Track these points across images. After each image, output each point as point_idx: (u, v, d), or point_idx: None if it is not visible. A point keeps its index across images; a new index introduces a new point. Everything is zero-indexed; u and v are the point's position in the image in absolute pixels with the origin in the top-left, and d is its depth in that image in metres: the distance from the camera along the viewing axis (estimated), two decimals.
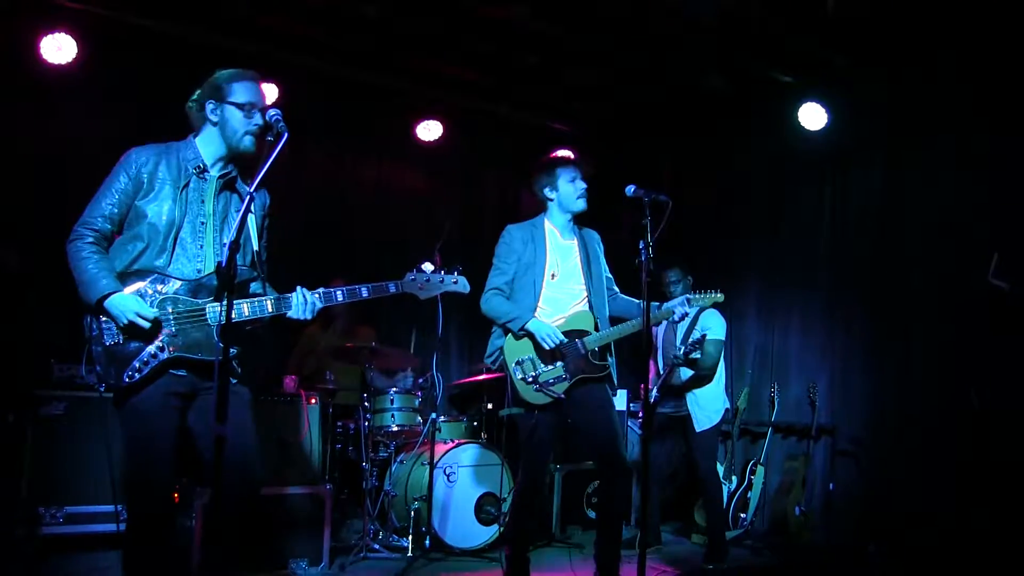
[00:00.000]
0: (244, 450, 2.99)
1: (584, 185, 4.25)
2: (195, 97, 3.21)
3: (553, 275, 4.20)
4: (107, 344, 2.97)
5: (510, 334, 4.15)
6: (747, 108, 6.85)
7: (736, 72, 6.50)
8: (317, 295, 3.19)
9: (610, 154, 7.87)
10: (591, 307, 4.21)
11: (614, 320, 4.31)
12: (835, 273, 6.35)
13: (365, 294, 3.29)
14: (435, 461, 5.32)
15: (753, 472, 6.11)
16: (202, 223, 3.13)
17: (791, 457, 6.28)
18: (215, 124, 3.17)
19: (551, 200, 4.31)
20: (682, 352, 5.30)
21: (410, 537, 5.24)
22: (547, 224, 4.32)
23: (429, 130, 7.22)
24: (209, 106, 3.16)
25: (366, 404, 5.56)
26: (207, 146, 3.20)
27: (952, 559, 5.08)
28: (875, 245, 6.06)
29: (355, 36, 6.13)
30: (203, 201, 3.15)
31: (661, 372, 5.57)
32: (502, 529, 5.55)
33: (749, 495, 6.07)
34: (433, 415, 5.42)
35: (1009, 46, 5.22)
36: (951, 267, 5.50)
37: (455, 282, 3.50)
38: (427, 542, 5.24)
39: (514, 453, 6.08)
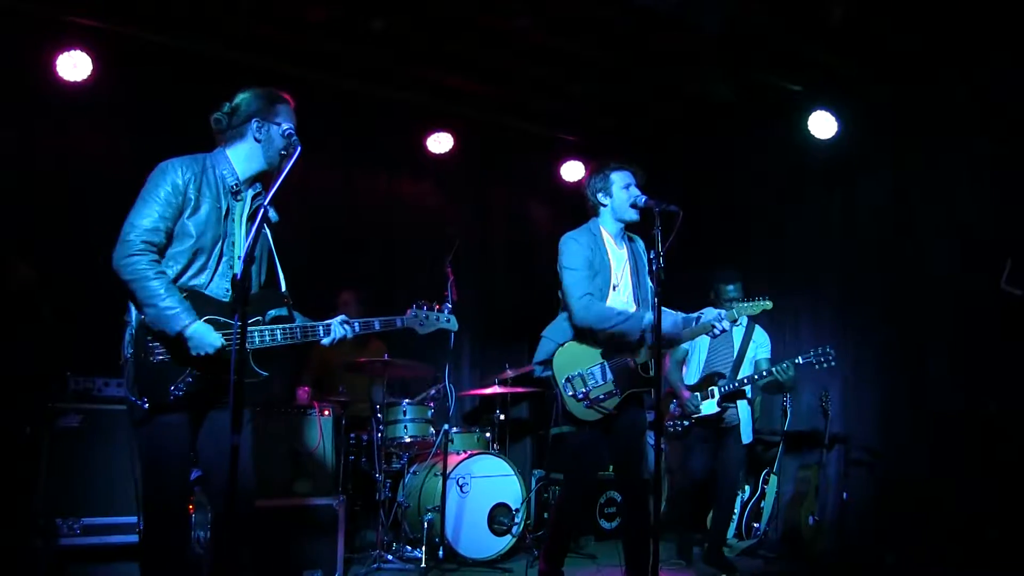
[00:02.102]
0: (240, 468, 2.99)
1: (638, 192, 4.06)
2: (226, 110, 3.21)
3: (615, 286, 4.11)
4: (153, 362, 2.96)
5: (560, 349, 4.03)
6: (756, 118, 6.87)
7: (745, 82, 6.52)
8: (347, 325, 3.30)
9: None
10: None
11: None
12: (846, 281, 6.35)
13: (377, 327, 3.48)
14: (448, 472, 5.33)
15: (766, 481, 6.10)
16: (232, 244, 3.15)
17: (804, 466, 6.26)
18: (259, 141, 3.19)
19: (604, 206, 4.17)
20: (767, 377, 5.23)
21: (423, 548, 5.24)
22: (602, 231, 4.19)
23: (439, 142, 7.26)
24: (255, 123, 3.18)
25: (379, 415, 5.59)
26: (243, 162, 3.21)
27: (967, 566, 5.06)
28: (886, 252, 6.05)
29: (364, 49, 6.18)
30: (234, 220, 3.17)
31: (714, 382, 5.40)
32: (515, 540, 5.56)
33: (762, 504, 6.06)
34: (446, 426, 5.43)
35: (1015, 48, 5.23)
36: (963, 273, 5.49)
37: (447, 320, 3.70)
38: (440, 553, 5.25)
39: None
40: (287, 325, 3.17)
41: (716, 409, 5.28)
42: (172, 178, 3.03)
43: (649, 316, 3.84)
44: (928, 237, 5.79)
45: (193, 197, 3.04)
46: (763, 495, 6.06)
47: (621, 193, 4.11)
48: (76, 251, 3.15)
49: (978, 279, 5.27)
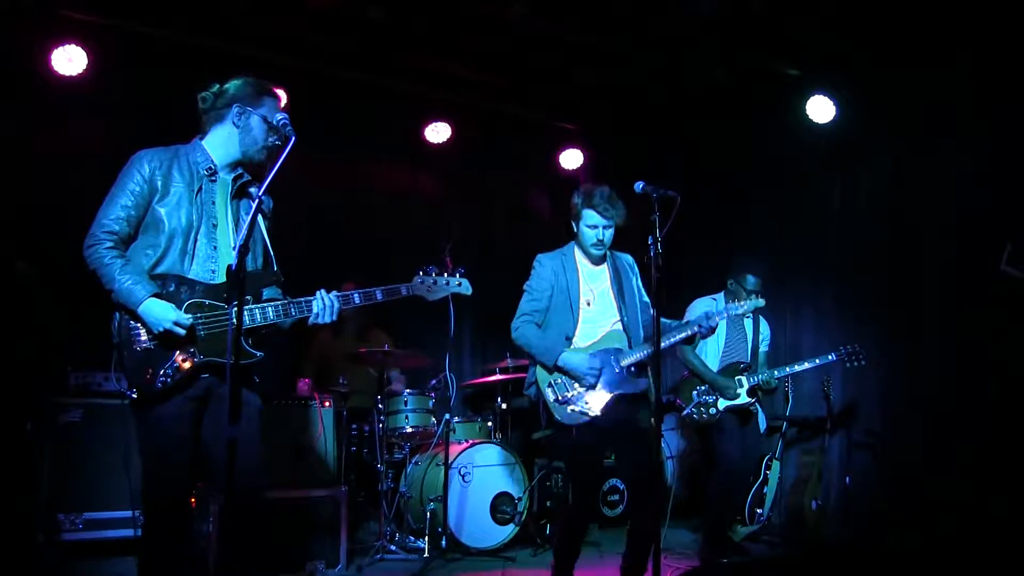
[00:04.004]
0: (247, 459, 2.97)
1: (600, 237, 4.11)
2: (214, 91, 3.22)
3: (588, 303, 4.14)
4: (137, 350, 2.97)
5: None
6: (755, 102, 6.83)
7: (743, 67, 6.49)
8: (336, 296, 3.25)
9: (619, 151, 7.86)
10: (624, 328, 4.12)
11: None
12: (846, 265, 6.33)
13: (380, 297, 3.39)
14: (450, 462, 5.33)
15: (769, 467, 6.09)
16: (214, 225, 3.14)
17: (807, 451, 6.27)
18: (237, 127, 3.19)
19: (576, 232, 4.24)
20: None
21: (426, 538, 5.26)
22: (576, 252, 4.26)
23: (437, 132, 7.24)
24: (236, 108, 3.18)
25: (380, 406, 5.58)
26: (219, 148, 3.22)
27: (971, 550, 5.05)
28: (886, 235, 6.03)
29: (362, 39, 6.16)
30: (214, 203, 3.17)
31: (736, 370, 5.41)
32: (518, 528, 5.57)
33: (765, 490, 6.05)
34: (447, 416, 5.43)
35: (1013, 29, 5.20)
36: (964, 255, 5.46)
37: (459, 284, 3.59)
38: (443, 542, 5.27)
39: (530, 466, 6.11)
40: (278, 302, 3.17)
41: (748, 399, 5.30)
42: (138, 168, 3.08)
43: (566, 353, 3.97)
44: (929, 219, 5.76)
45: (161, 184, 3.07)
46: (766, 480, 6.05)
47: (586, 231, 4.16)
48: (73, 244, 3.13)
49: (980, 261, 5.24)
